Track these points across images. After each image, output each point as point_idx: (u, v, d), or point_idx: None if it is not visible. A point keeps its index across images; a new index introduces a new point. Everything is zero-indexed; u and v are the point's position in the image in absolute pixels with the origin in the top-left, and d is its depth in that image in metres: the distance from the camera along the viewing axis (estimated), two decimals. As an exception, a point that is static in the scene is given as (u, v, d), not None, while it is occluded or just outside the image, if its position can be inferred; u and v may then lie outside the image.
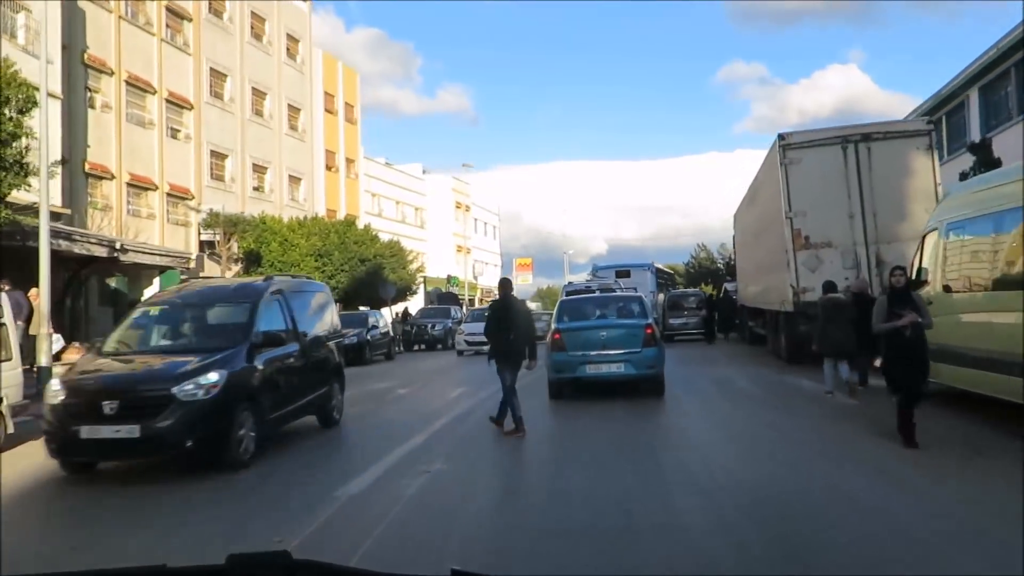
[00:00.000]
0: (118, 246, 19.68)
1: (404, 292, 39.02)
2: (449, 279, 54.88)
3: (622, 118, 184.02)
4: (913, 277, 10.94)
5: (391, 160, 61.02)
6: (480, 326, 25.65)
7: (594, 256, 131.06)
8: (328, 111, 47.83)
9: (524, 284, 79.92)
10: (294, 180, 42.18)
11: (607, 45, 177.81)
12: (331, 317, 11.90)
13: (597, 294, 20.92)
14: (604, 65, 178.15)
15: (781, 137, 15.91)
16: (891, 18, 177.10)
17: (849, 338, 12.25)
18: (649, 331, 12.83)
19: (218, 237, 28.10)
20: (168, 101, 32.13)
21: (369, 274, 32.64)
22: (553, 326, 13.41)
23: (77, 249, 17.81)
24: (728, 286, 52.75)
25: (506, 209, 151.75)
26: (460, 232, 67.03)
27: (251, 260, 27.69)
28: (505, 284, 11.07)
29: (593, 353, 12.59)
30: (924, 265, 10.65)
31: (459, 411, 12.15)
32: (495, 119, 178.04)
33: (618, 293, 20.96)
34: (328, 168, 47.84)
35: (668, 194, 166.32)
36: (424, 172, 66.63)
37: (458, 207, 67.39)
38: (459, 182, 68.11)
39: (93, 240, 19.00)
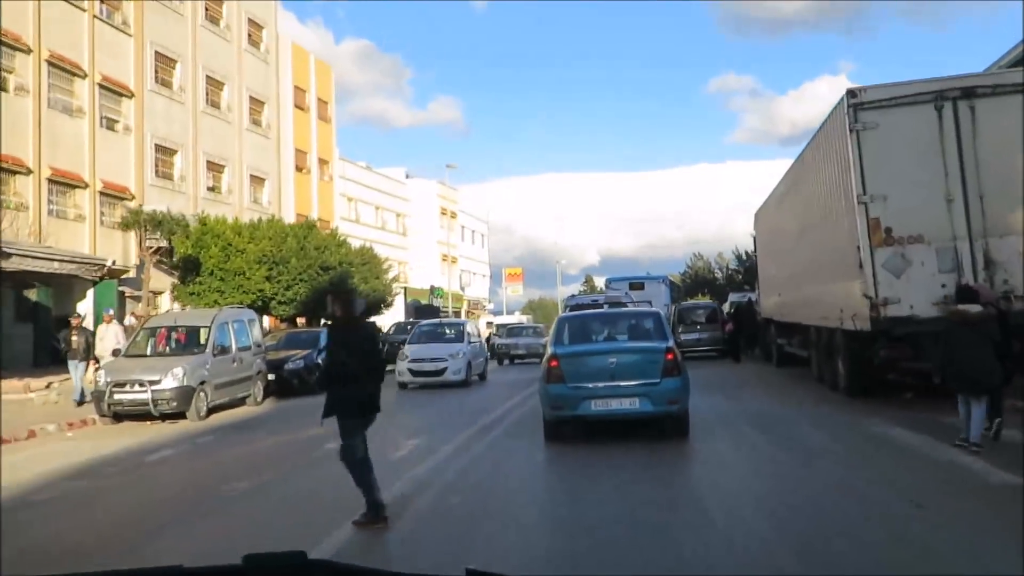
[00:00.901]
0: (-7, 249, 15.41)
1: (378, 304, 34.80)
2: (432, 290, 50.66)
3: (613, 130, 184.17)
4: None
5: (374, 165, 56.95)
6: (431, 348, 21.00)
7: (586, 267, 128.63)
8: (298, 107, 43.69)
9: (514, 295, 75.77)
10: (257, 180, 37.96)
11: (597, 56, 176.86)
12: None
13: (605, 309, 17.09)
14: (594, 77, 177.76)
15: (852, 94, 11.74)
16: (881, 28, 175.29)
17: (991, 367, 8.20)
18: (670, 356, 10.08)
19: (136, 240, 23.74)
20: (102, 87, 27.93)
21: (333, 284, 28.32)
22: (550, 350, 10.70)
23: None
24: (734, 296, 48.75)
25: (499, 221, 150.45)
26: (446, 240, 62.82)
27: (188, 268, 23.41)
28: (343, 300, 6.81)
29: (600, 385, 9.93)
30: None
31: (398, 491, 7.93)
32: (486, 131, 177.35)
33: (630, 308, 17.21)
34: (298, 169, 43.71)
35: (660, 206, 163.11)
36: (408, 177, 62.53)
37: (443, 214, 63.24)
38: (445, 187, 63.97)
39: (-46, 241, 14.71)
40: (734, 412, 12.92)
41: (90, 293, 25.98)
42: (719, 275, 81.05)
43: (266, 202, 38.19)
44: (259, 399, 16.58)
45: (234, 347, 15.43)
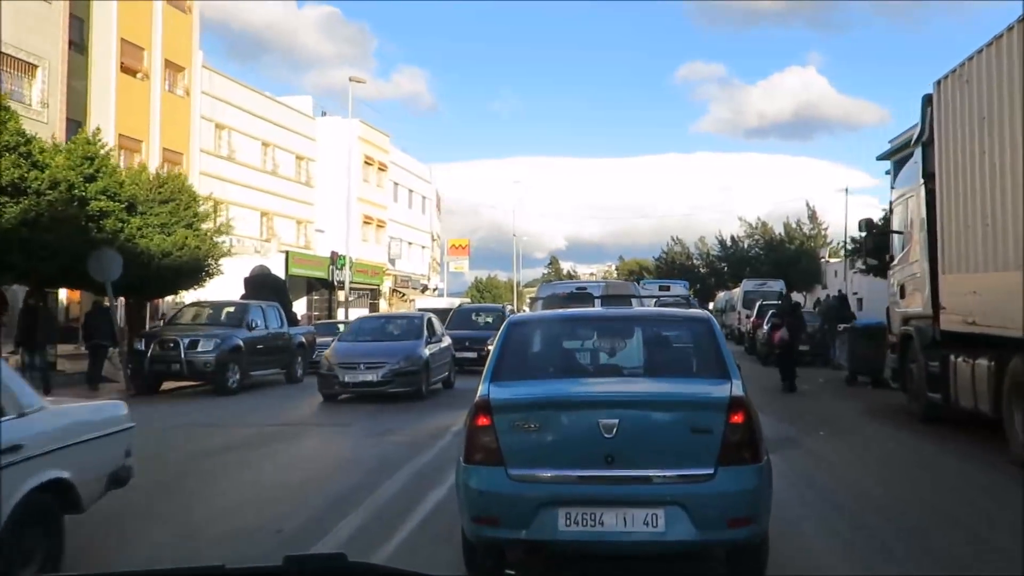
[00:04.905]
0: None
1: (197, 273, 20.89)
2: (334, 259, 36.73)
3: (582, 114, 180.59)
4: None
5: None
6: None
7: (553, 251, 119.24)
8: (129, -23, 29.43)
9: (458, 271, 62.00)
10: (18, 65, 23.59)
11: (567, 39, 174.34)
12: None
13: (599, 308, 7.14)
14: (563, 58, 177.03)
15: None
16: (852, 22, 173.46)
17: None
18: (739, 418, 4.61)
19: None
20: None
21: (39, 224, 14.47)
22: (480, 390, 5.04)
23: None
24: (749, 285, 35.63)
25: (465, 202, 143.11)
26: (370, 198, 48.80)
27: None
28: None
29: (579, 476, 4.65)
30: None
31: None
32: (454, 113, 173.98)
33: (647, 309, 8.55)
34: (128, 71, 29.60)
35: (627, 193, 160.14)
36: (324, 115, 48.39)
37: (368, 164, 49.13)
38: (371, 131, 49.81)
39: None
40: None
41: None
42: (698, 262, 71.61)
43: (37, 101, 23.88)
44: None
45: None
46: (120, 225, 17.74)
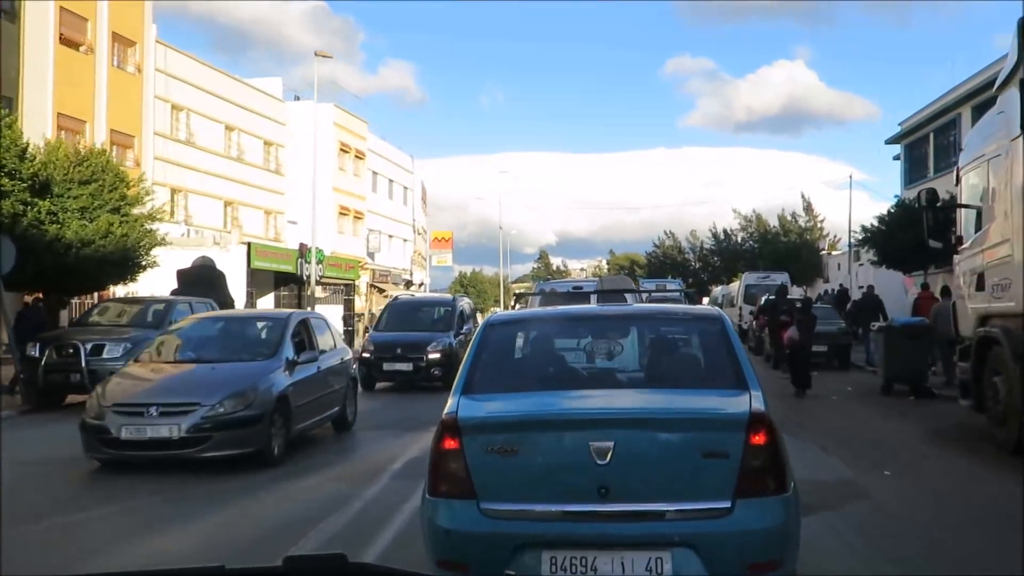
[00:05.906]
0: None
1: (126, 265, 18.15)
2: (303, 251, 33.92)
3: (569, 109, 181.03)
4: None
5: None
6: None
7: (543, 246, 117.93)
8: (68, -60, 26.62)
9: (442, 265, 59.30)
10: (-74, 29, 20.88)
11: (554, 33, 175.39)
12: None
13: (593, 306, 6.08)
14: (551, 53, 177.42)
15: None
16: (840, 17, 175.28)
17: None
18: (760, 438, 4.01)
19: None
20: None
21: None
22: (448, 405, 4.43)
23: None
24: (751, 278, 33.11)
25: (454, 198, 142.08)
26: (347, 188, 46.05)
27: None
28: None
29: (566, 511, 4.07)
30: None
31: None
32: (442, 106, 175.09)
33: (641, 305, 6.54)
34: (69, 44, 26.88)
35: (616, 188, 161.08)
36: (297, 99, 45.60)
37: (344, 151, 46.33)
38: (348, 116, 46.99)
39: None
40: None
41: None
42: (691, 256, 70.57)
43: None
44: None
45: None
46: (22, 208, 15.02)
